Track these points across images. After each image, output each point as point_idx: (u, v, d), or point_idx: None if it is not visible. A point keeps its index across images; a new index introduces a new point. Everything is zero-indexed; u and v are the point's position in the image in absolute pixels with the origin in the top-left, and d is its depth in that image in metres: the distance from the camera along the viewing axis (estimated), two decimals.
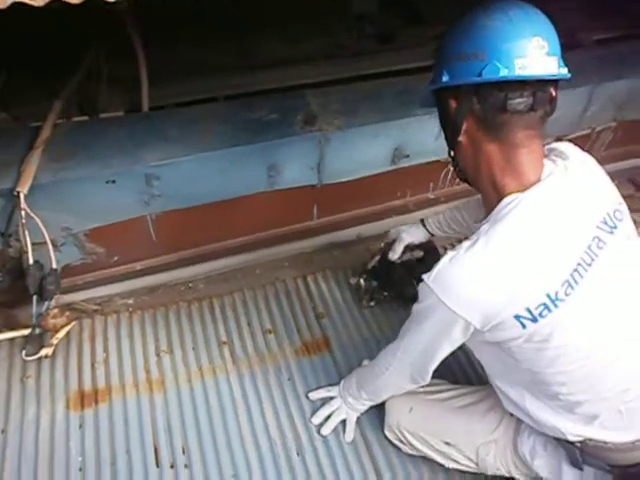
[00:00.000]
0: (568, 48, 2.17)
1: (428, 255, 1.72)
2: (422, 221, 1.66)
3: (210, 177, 1.71)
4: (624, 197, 2.44)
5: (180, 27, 2.03)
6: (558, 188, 1.02)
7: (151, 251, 1.92)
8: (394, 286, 1.82)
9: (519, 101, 0.95)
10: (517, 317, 0.98)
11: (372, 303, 1.89)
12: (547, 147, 1.16)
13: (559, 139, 2.22)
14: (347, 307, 1.92)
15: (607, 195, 1.11)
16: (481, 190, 1.10)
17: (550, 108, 1.02)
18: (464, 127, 1.02)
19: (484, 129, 1.01)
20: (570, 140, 2.18)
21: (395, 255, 1.68)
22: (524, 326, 0.98)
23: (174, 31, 2.02)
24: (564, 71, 0.99)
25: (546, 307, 0.97)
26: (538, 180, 1.01)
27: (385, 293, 1.86)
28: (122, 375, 1.69)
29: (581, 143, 2.26)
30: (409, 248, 1.69)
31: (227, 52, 2.02)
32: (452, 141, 1.08)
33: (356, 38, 2.08)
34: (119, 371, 1.70)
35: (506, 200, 1.00)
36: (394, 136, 1.80)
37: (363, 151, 1.82)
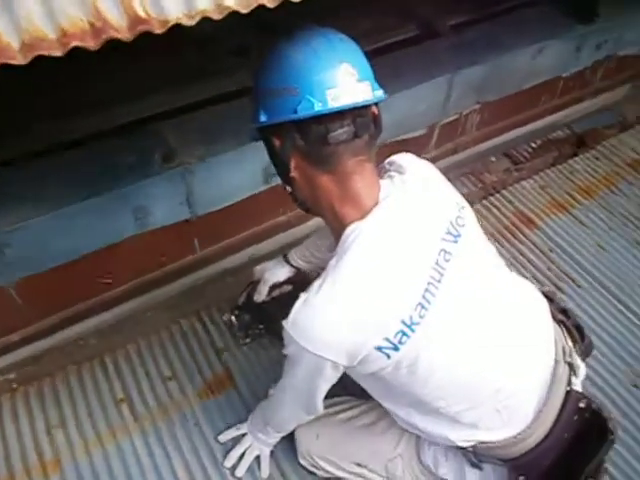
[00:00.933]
0: (427, 38, 2.26)
1: (298, 287, 1.63)
2: (285, 256, 1.58)
3: (70, 233, 1.59)
4: (502, 172, 2.64)
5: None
6: (397, 208, 1.01)
7: (25, 318, 1.77)
8: (266, 323, 1.76)
9: (341, 132, 0.94)
10: (379, 348, 0.97)
11: (248, 340, 1.81)
12: (387, 161, 1.15)
13: (432, 128, 2.28)
14: None
15: (448, 203, 1.10)
16: (326, 222, 1.08)
17: (375, 129, 1.01)
18: (292, 164, 1.00)
19: (313, 163, 0.99)
20: (442, 125, 2.32)
21: (260, 297, 1.61)
22: (388, 356, 0.98)
23: None
24: (379, 93, 0.99)
25: (404, 334, 0.96)
26: (376, 204, 1.00)
27: (261, 326, 1.78)
28: (10, 465, 1.55)
29: (453, 128, 2.38)
30: (276, 286, 1.60)
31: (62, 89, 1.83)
32: (284, 178, 1.06)
33: (210, 56, 1.99)
34: (6, 462, 1.55)
35: (348, 230, 0.99)
36: (260, 156, 1.73)
37: (232, 176, 1.76)
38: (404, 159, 1.14)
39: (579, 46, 2.48)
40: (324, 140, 0.94)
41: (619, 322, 2.08)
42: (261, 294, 1.60)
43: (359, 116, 0.95)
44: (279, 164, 1.04)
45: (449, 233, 1.03)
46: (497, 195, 2.49)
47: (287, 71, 0.93)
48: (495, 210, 2.42)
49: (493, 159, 2.72)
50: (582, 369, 1.25)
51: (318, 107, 0.90)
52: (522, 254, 2.26)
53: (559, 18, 2.42)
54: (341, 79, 0.91)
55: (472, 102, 2.30)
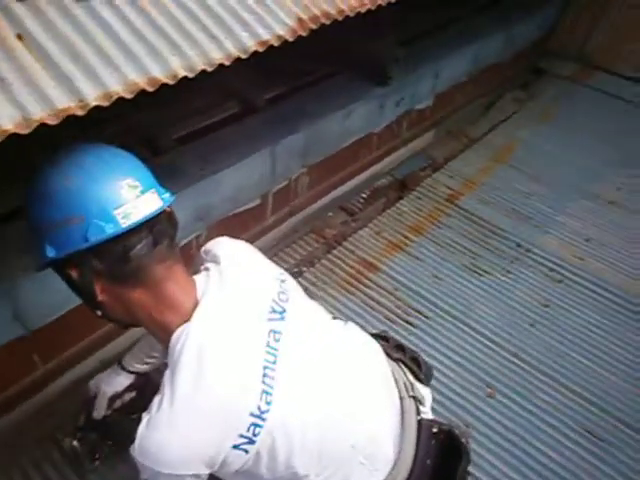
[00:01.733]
0: (247, 113, 2.39)
1: (142, 392, 1.47)
2: (120, 362, 1.46)
3: None
4: (341, 224, 2.83)
5: None
6: (218, 303, 1.00)
7: None
8: (115, 438, 1.58)
9: (140, 246, 0.92)
10: (236, 447, 0.95)
11: (97, 463, 1.62)
12: (203, 249, 1.16)
13: (265, 197, 2.37)
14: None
15: (268, 281, 1.11)
16: (150, 332, 1.05)
17: (173, 230, 1.01)
18: (98, 289, 0.95)
19: (119, 282, 0.95)
20: (275, 193, 2.44)
21: (101, 412, 1.46)
22: (246, 451, 0.96)
23: None
24: (167, 196, 1.00)
25: (256, 425, 0.95)
26: (196, 303, 0.98)
27: (110, 442, 1.60)
28: None
29: (285, 193, 2.51)
30: (116, 396, 1.46)
31: None
32: (92, 305, 0.99)
33: None
34: None
35: (174, 338, 0.95)
36: None
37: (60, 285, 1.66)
38: (218, 246, 1.13)
39: (382, 105, 2.80)
40: (125, 258, 0.91)
41: (466, 342, 2.29)
42: (101, 409, 1.45)
43: (154, 225, 0.94)
44: (83, 293, 0.98)
45: (274, 311, 1.04)
46: (339, 247, 2.65)
47: (66, 201, 0.87)
48: (340, 262, 2.56)
49: (331, 214, 2.90)
50: (428, 396, 1.34)
51: (110, 230, 0.87)
52: (371, 298, 2.41)
53: (360, 83, 2.72)
54: (125, 196, 0.89)
55: (298, 167, 2.46)
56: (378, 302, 2.40)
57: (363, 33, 2.44)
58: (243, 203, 2.25)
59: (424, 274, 2.57)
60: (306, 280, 2.43)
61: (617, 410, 2.10)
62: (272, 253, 2.55)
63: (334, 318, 1.30)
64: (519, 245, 2.78)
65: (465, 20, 3.43)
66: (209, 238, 1.21)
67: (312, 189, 2.67)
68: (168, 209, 1.00)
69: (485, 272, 2.61)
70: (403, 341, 1.53)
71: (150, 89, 0.95)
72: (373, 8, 1.50)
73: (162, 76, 0.98)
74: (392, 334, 1.56)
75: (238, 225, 2.29)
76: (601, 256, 2.78)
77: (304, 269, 2.51)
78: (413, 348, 1.45)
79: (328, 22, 1.33)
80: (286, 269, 1.30)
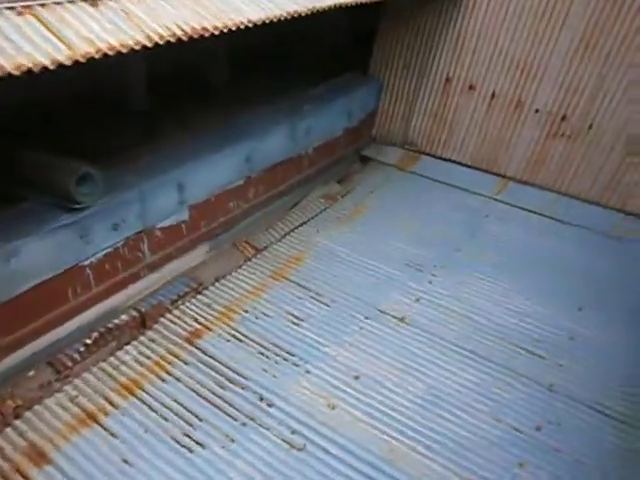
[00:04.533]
0: None
1: None
2: None
3: None
4: (38, 388, 2.19)
5: None
6: None
7: None
8: None
9: None
10: None
11: None
12: None
13: None
14: None
15: None
16: None
17: None
18: None
19: None
20: None
21: None
22: None
23: None
24: None
25: None
26: None
27: None
28: None
29: None
30: None
31: None
32: None
33: None
34: None
35: None
36: None
37: None
38: None
39: (84, 233, 2.25)
40: None
41: None
42: None
43: None
44: None
45: None
46: (11, 426, 1.99)
47: None
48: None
49: (32, 373, 2.25)
50: None
51: None
52: None
53: (45, 213, 2.18)
54: None
55: None
56: None
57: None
58: None
59: (111, 459, 1.92)
60: None
61: None
62: None
63: None
64: (261, 398, 2.18)
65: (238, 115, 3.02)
66: None
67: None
68: None
69: (199, 445, 1.98)
70: None
71: None
72: None
73: None
74: None
75: None
76: (365, 401, 2.19)
77: None
78: None
79: None
80: None
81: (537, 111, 3.49)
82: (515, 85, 3.50)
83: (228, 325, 2.52)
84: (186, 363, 2.31)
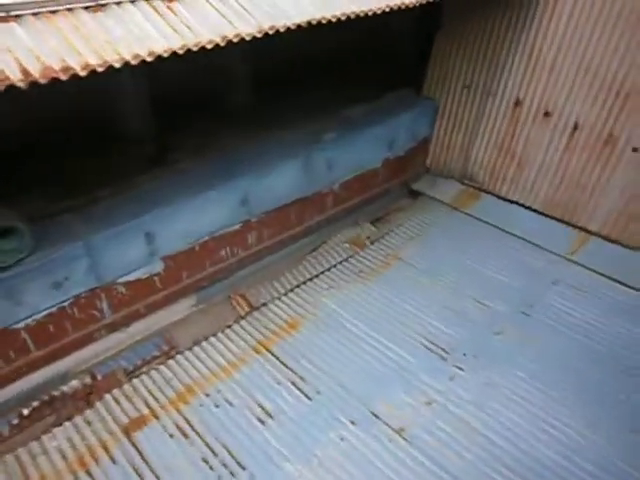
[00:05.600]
0: None
1: None
2: None
3: None
4: None
5: None
6: None
7: None
8: None
9: None
10: None
11: None
12: None
13: None
14: None
15: None
16: None
17: None
18: None
19: None
20: None
21: None
22: None
23: None
24: None
25: None
26: None
27: None
28: None
29: None
30: None
31: None
32: None
33: None
34: None
35: None
36: None
37: None
38: None
39: (12, 293, 1.92)
40: None
41: None
42: None
43: None
44: None
45: None
46: None
47: None
48: None
49: None
50: None
51: None
52: None
53: None
54: None
55: None
56: None
57: None
58: None
59: None
60: None
61: None
62: None
63: None
64: None
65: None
66: None
67: None
68: None
69: None
70: None
71: None
72: None
73: None
74: None
75: None
76: None
77: None
78: None
79: None
80: None
81: (636, 150, 2.62)
82: (606, 114, 2.66)
83: (180, 413, 2.06)
84: (114, 462, 1.90)
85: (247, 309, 2.61)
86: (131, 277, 2.29)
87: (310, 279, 2.76)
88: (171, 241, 2.35)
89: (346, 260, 2.89)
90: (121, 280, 2.26)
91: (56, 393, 2.17)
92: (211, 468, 1.88)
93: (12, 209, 2.04)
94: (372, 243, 3.02)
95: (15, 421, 2.07)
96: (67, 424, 2.03)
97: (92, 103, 2.54)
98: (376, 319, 2.48)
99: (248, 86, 3.01)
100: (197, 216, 2.39)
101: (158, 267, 2.36)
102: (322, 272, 2.80)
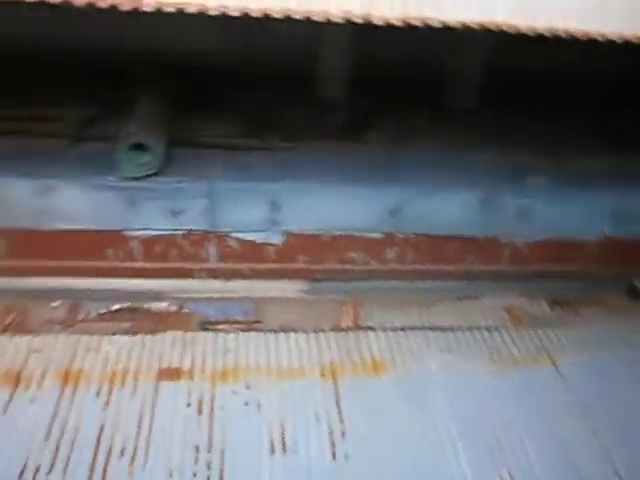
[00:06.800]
0: None
1: None
2: None
3: None
4: None
5: None
6: None
7: None
8: None
9: None
10: None
11: None
12: None
13: None
14: None
15: None
16: None
17: None
18: None
19: None
20: None
21: None
22: None
23: None
24: None
25: None
26: None
27: None
28: None
29: None
30: None
31: None
32: None
33: None
34: None
35: None
36: None
37: None
38: None
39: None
40: None
41: None
42: None
43: None
44: None
45: None
46: None
47: None
48: None
49: None
50: None
51: None
52: None
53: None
54: None
55: None
56: None
57: None
58: None
59: None
60: None
61: None
62: None
63: None
64: None
65: None
66: None
67: None
68: None
69: None
70: None
71: None
72: None
73: None
74: None
75: None
76: None
77: None
78: None
79: None
80: None
81: None
82: None
83: (209, 389, 1.95)
84: (133, 395, 1.90)
85: (350, 323, 2.33)
86: (246, 236, 2.21)
87: (431, 328, 2.32)
88: (299, 219, 2.18)
89: (487, 329, 2.34)
90: (235, 235, 2.19)
91: (144, 306, 2.29)
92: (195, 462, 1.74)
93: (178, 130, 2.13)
94: (533, 326, 2.38)
95: (102, 310, 2.25)
96: (132, 337, 2.12)
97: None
98: (472, 421, 1.95)
99: (475, 88, 2.56)
100: (335, 206, 2.16)
101: (277, 238, 2.23)
102: (450, 328, 2.33)
